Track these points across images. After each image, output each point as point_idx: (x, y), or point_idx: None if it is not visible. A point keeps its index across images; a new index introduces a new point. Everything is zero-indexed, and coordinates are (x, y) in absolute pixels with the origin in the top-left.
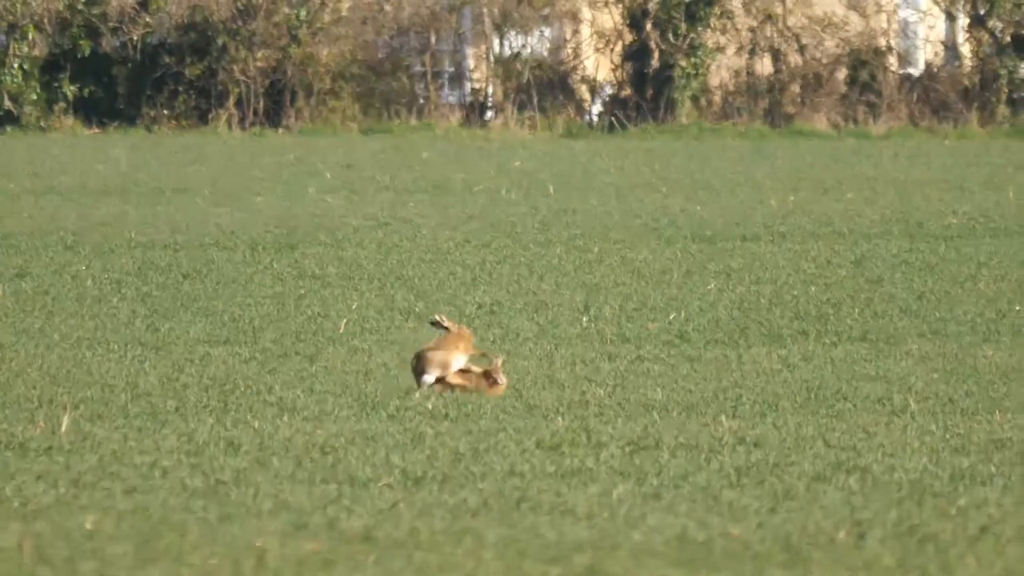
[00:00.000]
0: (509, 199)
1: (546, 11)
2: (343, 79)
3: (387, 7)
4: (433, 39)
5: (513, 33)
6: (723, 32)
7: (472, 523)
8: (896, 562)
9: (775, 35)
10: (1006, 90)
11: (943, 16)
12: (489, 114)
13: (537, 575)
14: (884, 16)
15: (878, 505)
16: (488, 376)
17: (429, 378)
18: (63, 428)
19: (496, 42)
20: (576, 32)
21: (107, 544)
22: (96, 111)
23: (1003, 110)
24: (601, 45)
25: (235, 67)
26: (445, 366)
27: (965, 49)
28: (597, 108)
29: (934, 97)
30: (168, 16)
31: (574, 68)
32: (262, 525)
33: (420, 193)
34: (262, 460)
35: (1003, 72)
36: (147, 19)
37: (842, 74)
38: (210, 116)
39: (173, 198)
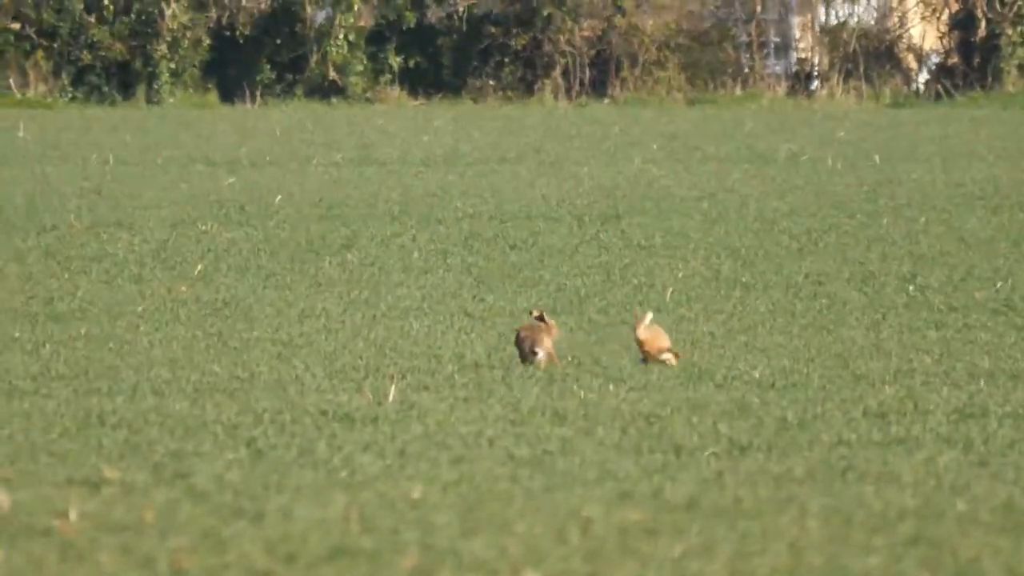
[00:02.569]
0: (835, 169)
1: None
2: (668, 49)
3: None
4: (759, 8)
5: (839, 2)
6: None
7: (797, 491)
8: None
9: None
10: None
11: None
12: (815, 83)
13: (861, 544)
14: None
15: None
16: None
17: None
18: (390, 398)
19: (822, 11)
20: (902, 1)
21: (432, 513)
22: (421, 82)
23: None
24: (927, 13)
25: (561, 37)
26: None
27: None
28: (924, 77)
29: None
30: None
31: (900, 37)
32: (587, 494)
33: (745, 163)
34: (588, 429)
35: None
36: None
37: None
38: (535, 87)
39: (499, 169)
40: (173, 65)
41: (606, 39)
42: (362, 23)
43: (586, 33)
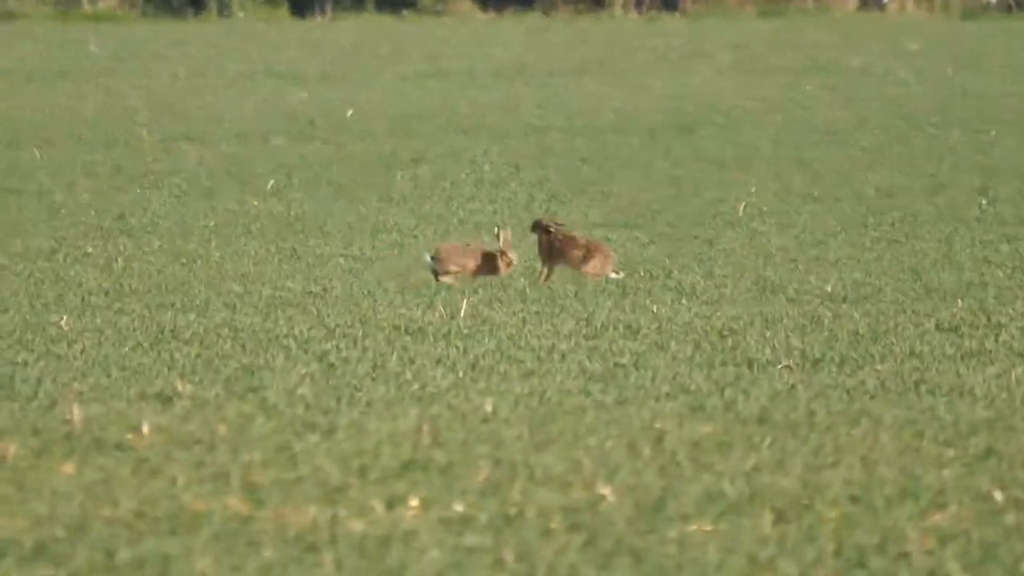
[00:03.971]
0: (906, 81)
1: None
2: None
3: None
4: None
5: None
6: None
7: (869, 405)
8: None
9: None
10: None
11: None
12: None
13: (934, 457)
14: None
15: None
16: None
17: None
18: (462, 313)
19: None
20: None
21: (503, 427)
22: None
23: None
24: None
25: None
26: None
27: None
28: None
29: None
30: None
31: None
32: (659, 408)
33: (815, 75)
34: (661, 343)
35: None
36: None
37: None
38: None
39: (569, 82)
40: None
41: None
42: None
43: None
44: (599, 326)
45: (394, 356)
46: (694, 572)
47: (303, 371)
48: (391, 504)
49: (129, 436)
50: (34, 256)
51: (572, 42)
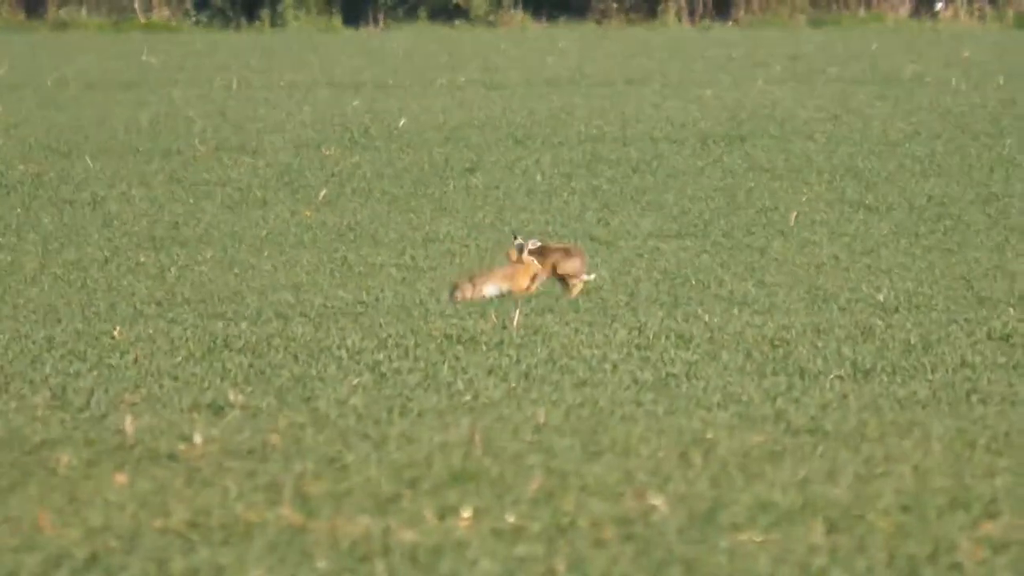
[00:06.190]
0: (959, 90)
1: None
2: None
3: None
4: None
5: None
6: None
7: (921, 415)
8: None
9: None
10: None
11: None
12: (939, 5)
13: (985, 466)
14: None
15: None
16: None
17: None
18: (514, 322)
19: None
20: None
21: (555, 437)
22: (545, 4)
23: None
24: None
25: None
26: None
27: None
28: None
29: None
30: None
31: None
32: (710, 417)
33: (869, 84)
34: (712, 353)
35: None
36: None
37: None
38: (659, 9)
39: (622, 91)
40: None
41: None
42: None
43: None
44: (651, 336)
45: (446, 366)
46: None
47: (355, 381)
48: (443, 514)
49: (181, 447)
50: (87, 266)
51: (625, 52)
